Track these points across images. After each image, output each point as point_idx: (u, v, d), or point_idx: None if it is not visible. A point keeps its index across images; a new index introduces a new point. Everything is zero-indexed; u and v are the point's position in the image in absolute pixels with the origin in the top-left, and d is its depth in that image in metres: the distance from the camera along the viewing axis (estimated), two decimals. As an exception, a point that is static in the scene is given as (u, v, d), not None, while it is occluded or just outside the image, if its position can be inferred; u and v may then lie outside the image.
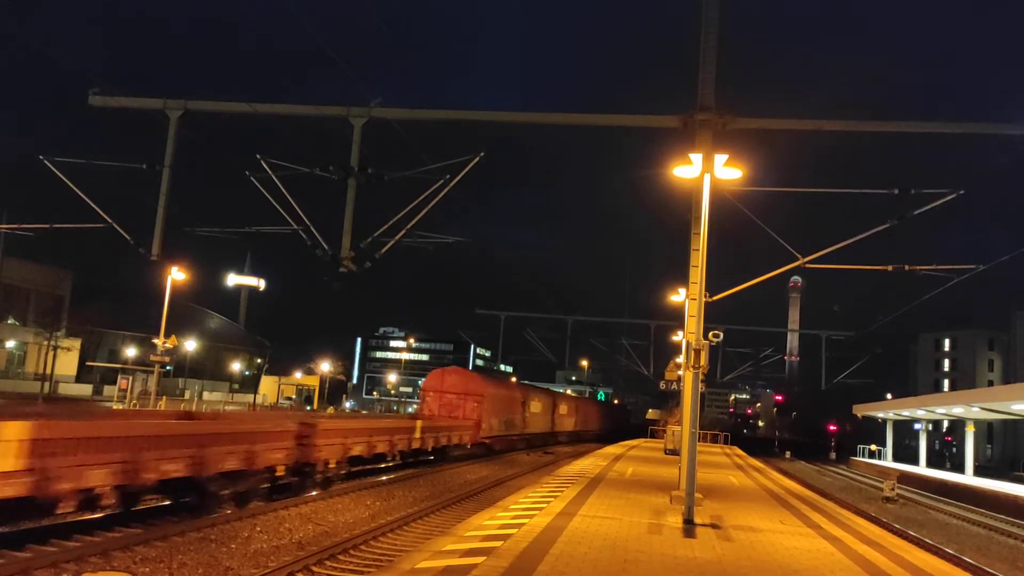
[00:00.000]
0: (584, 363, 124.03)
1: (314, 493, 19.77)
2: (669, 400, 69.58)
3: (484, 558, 10.27)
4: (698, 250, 17.56)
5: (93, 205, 20.44)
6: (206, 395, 70.81)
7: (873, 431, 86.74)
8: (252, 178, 20.78)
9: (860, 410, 73.69)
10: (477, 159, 19.90)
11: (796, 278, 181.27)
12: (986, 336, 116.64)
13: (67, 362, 67.15)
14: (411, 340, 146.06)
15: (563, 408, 61.42)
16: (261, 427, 17.80)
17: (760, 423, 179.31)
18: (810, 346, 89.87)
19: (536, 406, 51.35)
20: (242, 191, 21.03)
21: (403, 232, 20.40)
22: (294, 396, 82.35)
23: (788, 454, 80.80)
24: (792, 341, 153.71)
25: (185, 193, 24.28)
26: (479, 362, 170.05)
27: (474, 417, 38.13)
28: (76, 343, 67.56)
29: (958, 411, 50.99)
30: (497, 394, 41.80)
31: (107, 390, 63.56)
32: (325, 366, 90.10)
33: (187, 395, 64.72)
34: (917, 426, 70.00)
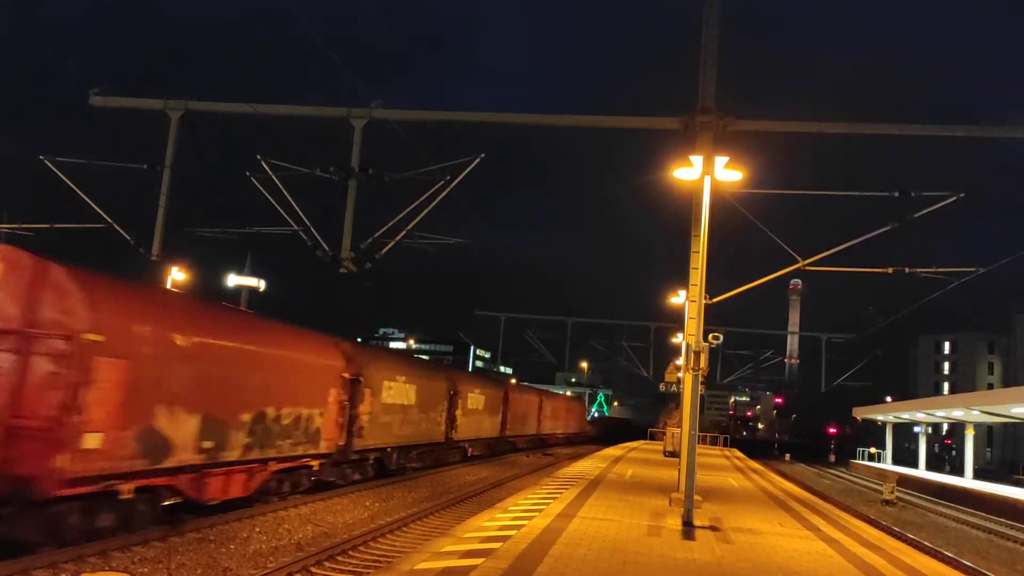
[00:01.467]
0: (584, 365, 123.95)
1: (313, 494, 19.75)
2: (670, 401, 69.52)
3: (483, 559, 10.26)
4: (698, 252, 17.55)
5: (93, 205, 20.45)
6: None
7: (873, 434, 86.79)
8: (253, 179, 20.80)
9: (860, 413, 73.66)
10: (477, 161, 19.91)
11: (796, 280, 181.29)
12: (986, 339, 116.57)
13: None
14: (411, 341, 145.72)
15: (475, 400, 35.62)
16: None
17: (760, 425, 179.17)
18: (810, 349, 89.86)
19: (403, 394, 25.68)
20: (243, 192, 21.04)
21: (403, 233, 20.41)
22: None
23: (788, 456, 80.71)
24: (792, 343, 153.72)
25: (186, 193, 24.29)
26: (479, 363, 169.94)
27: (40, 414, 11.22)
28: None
29: (958, 414, 50.93)
30: (179, 337, 13.79)
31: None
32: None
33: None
34: (917, 429, 69.95)
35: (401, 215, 20.29)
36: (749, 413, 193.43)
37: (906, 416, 63.37)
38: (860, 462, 70.84)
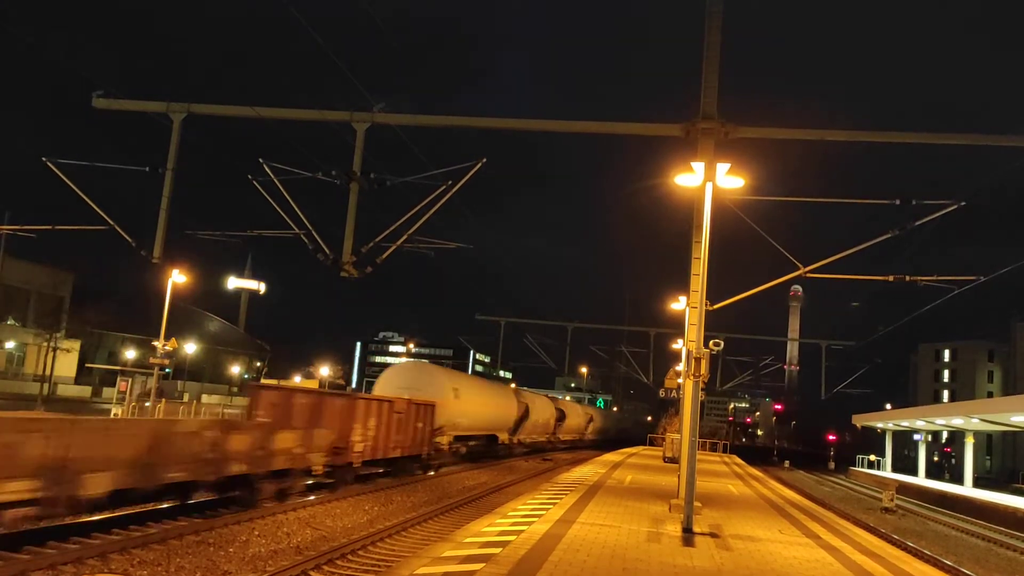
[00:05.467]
0: (584, 370, 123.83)
1: (312, 497, 19.76)
2: (669, 408, 69.44)
3: (483, 565, 10.25)
4: (699, 259, 17.58)
5: (95, 207, 20.46)
6: (204, 398, 70.72)
7: (872, 441, 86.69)
8: (254, 182, 20.82)
9: (859, 420, 73.65)
10: (479, 165, 19.94)
11: (797, 287, 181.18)
12: (986, 347, 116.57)
13: (66, 364, 67.06)
14: (410, 345, 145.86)
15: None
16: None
17: (759, 432, 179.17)
18: (810, 355, 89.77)
19: None
20: (244, 194, 21.10)
21: (405, 238, 20.43)
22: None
23: (787, 463, 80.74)
24: (792, 350, 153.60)
25: (187, 196, 24.35)
26: (479, 368, 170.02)
27: None
28: (76, 344, 67.48)
29: (957, 422, 50.94)
30: None
31: (106, 392, 63.46)
32: (324, 370, 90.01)
33: (185, 397, 64.64)
34: (916, 437, 69.91)
35: (403, 219, 20.32)
36: (749, 420, 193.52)
37: (906, 424, 63.34)
38: (859, 469, 70.78)
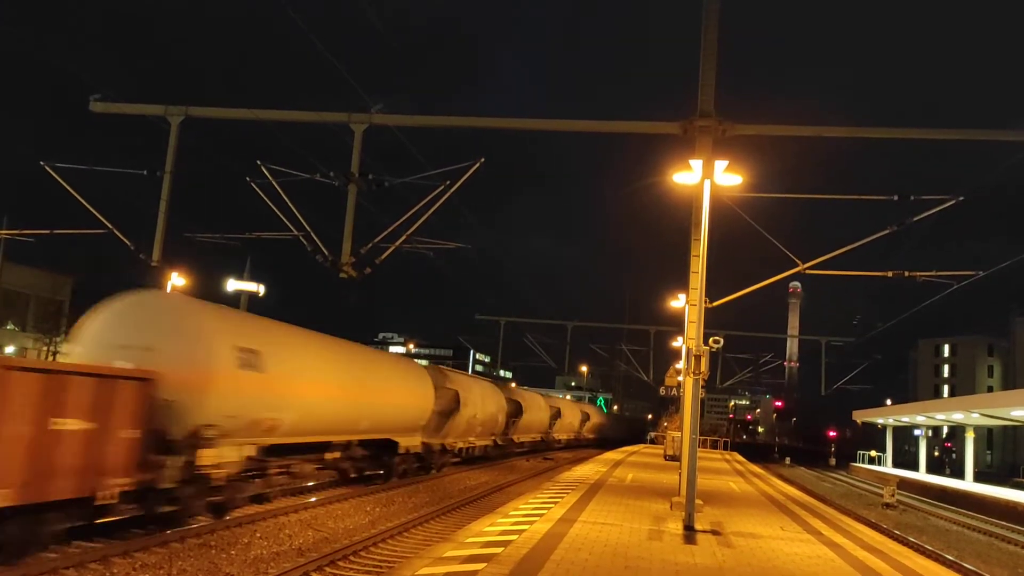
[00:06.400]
0: (584, 369, 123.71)
1: (313, 499, 19.77)
2: (670, 405, 69.42)
3: (485, 564, 10.26)
4: (698, 256, 17.58)
5: (93, 211, 20.48)
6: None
7: (873, 437, 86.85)
8: (253, 184, 20.82)
9: (860, 416, 73.68)
10: (477, 165, 19.95)
11: (796, 284, 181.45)
12: (986, 342, 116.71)
13: (66, 367, 67.01)
14: (410, 346, 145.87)
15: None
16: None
17: (760, 429, 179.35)
18: (810, 352, 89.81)
19: None
20: (243, 197, 21.06)
21: (403, 239, 20.44)
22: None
23: (788, 460, 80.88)
24: (792, 347, 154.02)
25: (186, 198, 24.32)
26: (479, 368, 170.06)
27: None
28: (75, 348, 67.46)
29: (958, 417, 50.95)
30: None
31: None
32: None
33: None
34: (917, 432, 69.98)
35: (401, 220, 20.33)
36: (749, 416, 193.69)
37: (906, 419, 63.38)
38: (860, 465, 70.86)
